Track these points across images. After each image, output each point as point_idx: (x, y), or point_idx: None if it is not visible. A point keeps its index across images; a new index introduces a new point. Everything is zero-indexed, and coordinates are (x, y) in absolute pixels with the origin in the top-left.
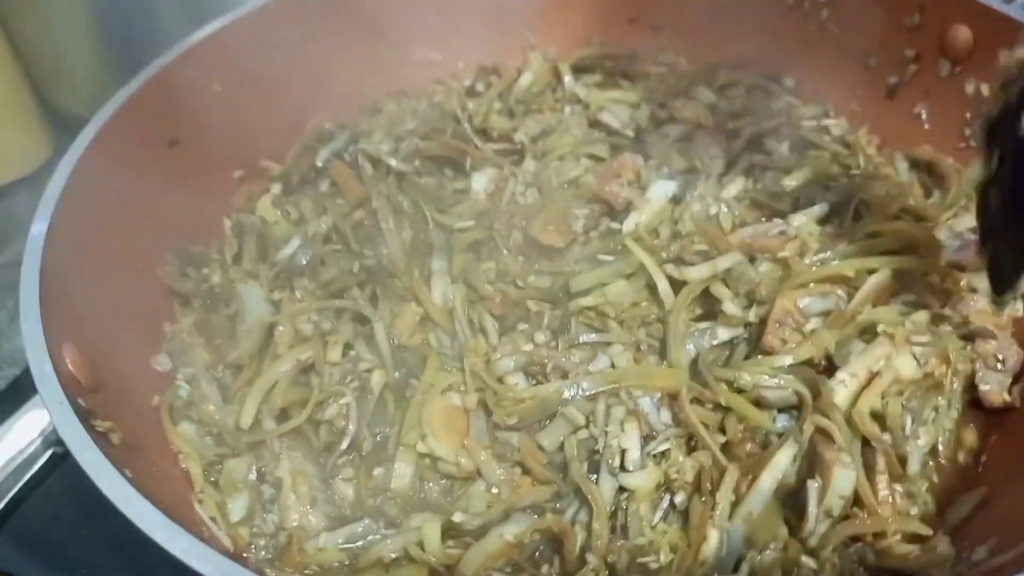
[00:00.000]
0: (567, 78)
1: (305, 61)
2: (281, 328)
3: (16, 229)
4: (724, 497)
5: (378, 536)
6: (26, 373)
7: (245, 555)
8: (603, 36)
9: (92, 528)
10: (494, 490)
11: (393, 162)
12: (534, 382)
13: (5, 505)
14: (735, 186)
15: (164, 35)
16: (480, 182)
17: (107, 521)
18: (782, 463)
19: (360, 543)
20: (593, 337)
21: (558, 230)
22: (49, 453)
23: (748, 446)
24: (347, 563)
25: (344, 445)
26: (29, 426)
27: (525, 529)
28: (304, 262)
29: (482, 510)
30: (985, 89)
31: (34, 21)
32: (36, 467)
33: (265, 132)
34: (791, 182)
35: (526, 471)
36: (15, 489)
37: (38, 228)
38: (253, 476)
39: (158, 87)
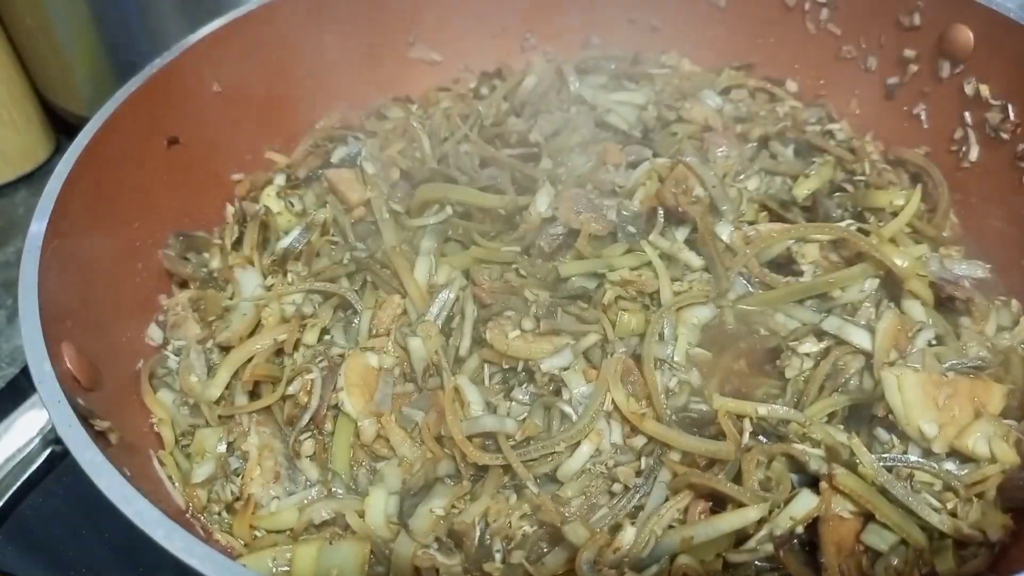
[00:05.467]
0: (572, 80)
1: (304, 60)
2: (268, 308)
3: (15, 227)
4: (666, 512)
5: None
6: (25, 372)
7: (195, 515)
8: (602, 37)
9: (90, 526)
10: (405, 463)
11: (402, 166)
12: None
13: (4, 504)
14: (750, 183)
15: (164, 35)
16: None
17: (106, 519)
18: (750, 517)
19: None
20: (572, 324)
21: (596, 220)
22: (48, 452)
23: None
24: (291, 528)
25: (305, 420)
26: (28, 425)
27: (449, 500)
28: (299, 248)
29: (399, 482)
30: (985, 89)
31: (34, 21)
32: (35, 466)
33: (264, 131)
34: (800, 191)
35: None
36: (14, 488)
37: (37, 227)
38: (223, 448)
39: (158, 87)
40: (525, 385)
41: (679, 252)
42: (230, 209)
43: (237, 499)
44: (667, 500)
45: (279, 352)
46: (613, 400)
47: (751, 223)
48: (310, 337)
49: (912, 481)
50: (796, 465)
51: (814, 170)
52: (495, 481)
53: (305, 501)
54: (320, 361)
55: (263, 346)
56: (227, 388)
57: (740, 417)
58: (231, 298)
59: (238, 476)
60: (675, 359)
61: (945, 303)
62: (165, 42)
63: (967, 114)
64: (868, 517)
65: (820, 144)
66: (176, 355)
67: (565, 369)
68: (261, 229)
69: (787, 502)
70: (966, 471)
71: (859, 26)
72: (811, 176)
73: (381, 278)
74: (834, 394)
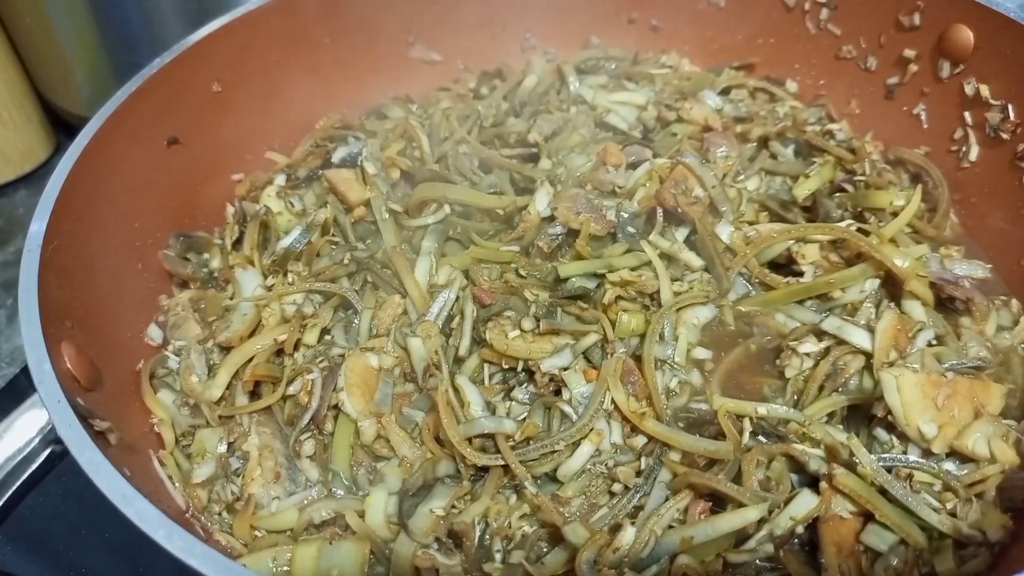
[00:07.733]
0: (572, 80)
1: (304, 60)
2: (269, 308)
3: (15, 227)
4: (666, 512)
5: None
6: (25, 372)
7: (197, 515)
8: (602, 36)
9: (90, 526)
10: (405, 463)
11: (402, 166)
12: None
13: (4, 504)
14: (750, 183)
15: (164, 35)
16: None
17: (106, 519)
18: (750, 517)
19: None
20: (572, 324)
21: (595, 220)
22: (48, 452)
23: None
24: (291, 529)
25: (305, 420)
26: (28, 425)
27: (449, 500)
28: (299, 248)
29: (399, 482)
30: (985, 90)
31: (34, 21)
32: (35, 466)
33: (264, 131)
34: (800, 191)
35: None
36: (14, 488)
37: (37, 227)
38: (223, 448)
39: (158, 87)
40: (525, 385)
41: (679, 252)
42: (230, 209)
43: (237, 499)
44: (667, 500)
45: (279, 352)
46: (613, 400)
47: (751, 223)
48: (310, 337)
49: (912, 481)
50: (796, 465)
51: (814, 170)
52: (495, 481)
53: (305, 501)
54: (320, 361)
55: (263, 346)
56: (227, 388)
57: (740, 417)
58: (231, 298)
59: (238, 476)
60: (676, 359)
61: (945, 303)
62: (165, 42)
63: (967, 114)
64: (868, 517)
65: (820, 144)
66: (176, 355)
67: (565, 369)
68: (261, 229)
69: (787, 502)
70: (966, 471)
71: (859, 26)
72: (811, 176)
73: (381, 278)
74: (834, 394)
